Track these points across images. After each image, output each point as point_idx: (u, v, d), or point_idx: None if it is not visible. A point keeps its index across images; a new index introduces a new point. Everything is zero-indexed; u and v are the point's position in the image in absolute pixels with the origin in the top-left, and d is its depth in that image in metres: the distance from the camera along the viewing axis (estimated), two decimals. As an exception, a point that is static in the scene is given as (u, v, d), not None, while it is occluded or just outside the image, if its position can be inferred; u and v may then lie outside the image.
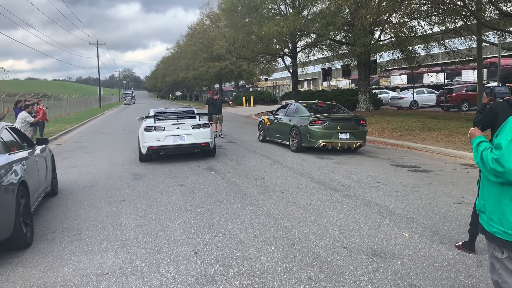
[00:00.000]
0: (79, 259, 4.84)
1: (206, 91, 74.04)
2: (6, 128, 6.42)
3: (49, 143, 8.51)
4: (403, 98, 31.87)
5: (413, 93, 31.21)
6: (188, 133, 11.57)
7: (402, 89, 40.68)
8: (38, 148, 7.34)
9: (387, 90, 35.93)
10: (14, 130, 6.87)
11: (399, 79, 49.23)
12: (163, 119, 11.97)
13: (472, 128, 2.98)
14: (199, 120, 12.23)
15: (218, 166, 10.62)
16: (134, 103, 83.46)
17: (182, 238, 5.39)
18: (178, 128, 11.57)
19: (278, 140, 14.57)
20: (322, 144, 12.22)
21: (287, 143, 13.64)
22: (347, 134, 12.38)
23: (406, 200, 6.89)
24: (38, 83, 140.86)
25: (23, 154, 6.20)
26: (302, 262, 4.52)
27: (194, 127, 11.71)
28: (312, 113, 13.11)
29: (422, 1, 18.12)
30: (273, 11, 29.79)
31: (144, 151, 11.44)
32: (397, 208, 6.46)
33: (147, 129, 11.47)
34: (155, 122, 11.68)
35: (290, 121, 13.57)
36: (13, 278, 4.41)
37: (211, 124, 13.00)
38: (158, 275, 4.33)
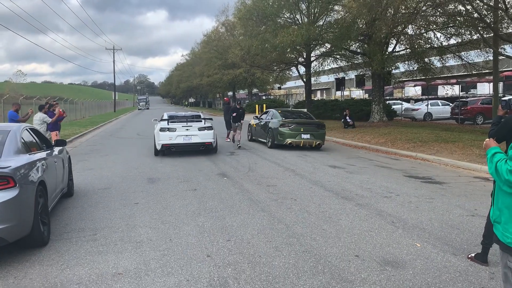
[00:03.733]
0: (95, 258, 4.94)
1: (219, 98, 74.46)
2: (26, 129, 6.60)
3: (66, 144, 8.68)
4: (417, 109, 31.73)
5: (427, 105, 31.06)
6: (195, 133, 13.90)
7: (416, 100, 40.49)
8: (56, 150, 7.50)
9: (401, 101, 35.79)
10: (34, 131, 7.04)
11: (414, 90, 49.03)
12: (175, 122, 14.13)
13: (487, 139, 3.02)
14: (204, 124, 14.28)
15: (231, 173, 10.71)
16: (148, 108, 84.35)
17: (195, 241, 5.46)
18: (187, 129, 13.89)
19: (260, 139, 17.90)
20: (289, 142, 15.49)
21: (265, 141, 17.06)
22: (308, 135, 15.71)
23: (419, 211, 6.88)
24: (54, 86, 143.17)
25: (42, 154, 6.35)
26: (314, 268, 4.56)
27: (200, 129, 13.98)
28: (283, 118, 16.29)
29: (438, 13, 18.08)
30: (288, 20, 29.97)
31: (158, 147, 13.81)
32: (410, 218, 6.45)
33: (162, 129, 13.78)
34: (168, 124, 13.91)
35: (268, 124, 16.89)
36: (30, 275, 4.52)
37: (230, 131, 17.89)
38: (171, 276, 4.40)
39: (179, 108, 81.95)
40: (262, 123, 17.65)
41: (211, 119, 15.34)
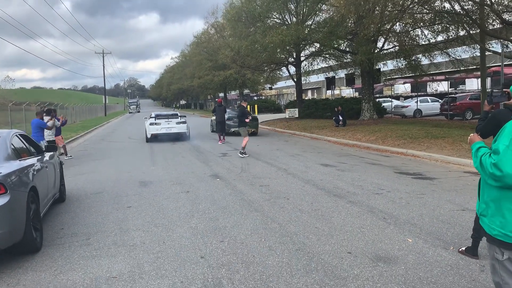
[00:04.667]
0: (88, 263, 4.94)
1: (210, 99, 74.37)
2: (16, 135, 6.57)
3: (57, 150, 8.64)
4: (407, 106, 31.95)
5: (416, 102, 31.30)
6: (173, 126, 20.19)
7: (406, 97, 40.75)
8: (47, 155, 7.47)
9: (390, 99, 36.03)
10: (24, 137, 7.01)
11: (403, 87, 49.33)
12: (160, 118, 20.55)
13: (472, 134, 3.08)
14: (180, 119, 20.63)
15: (223, 174, 10.72)
16: (139, 111, 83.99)
17: (188, 243, 5.48)
18: (168, 123, 20.18)
19: (214, 130, 23.14)
20: (232, 130, 21.31)
21: (216, 130, 21.56)
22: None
23: (410, 207, 6.96)
24: (44, 91, 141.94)
25: (33, 160, 6.33)
26: (307, 266, 4.59)
27: (177, 123, 20.31)
28: (229, 115, 21.80)
29: (424, 11, 18.25)
30: (277, 20, 30.07)
31: (149, 136, 20.07)
32: (401, 214, 6.52)
33: (151, 124, 20.12)
34: (155, 120, 20.27)
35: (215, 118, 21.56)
36: (23, 282, 4.51)
37: (222, 142, 18.91)
38: (165, 279, 4.42)
39: (166, 110, 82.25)
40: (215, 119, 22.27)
41: (185, 116, 21.55)
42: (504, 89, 4.25)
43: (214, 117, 22.40)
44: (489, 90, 26.42)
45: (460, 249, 4.86)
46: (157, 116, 20.74)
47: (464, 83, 43.61)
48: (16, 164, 5.53)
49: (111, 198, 8.33)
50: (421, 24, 21.05)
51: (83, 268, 4.80)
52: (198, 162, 13.08)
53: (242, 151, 14.04)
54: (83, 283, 4.39)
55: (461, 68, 24.82)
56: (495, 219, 2.73)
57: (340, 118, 23.41)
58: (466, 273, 4.30)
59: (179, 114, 21.79)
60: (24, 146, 6.63)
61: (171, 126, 20.11)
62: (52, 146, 8.10)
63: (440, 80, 33.06)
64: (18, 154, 6.01)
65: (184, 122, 20.46)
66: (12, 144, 6.00)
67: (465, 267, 4.44)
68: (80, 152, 17.03)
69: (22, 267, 4.90)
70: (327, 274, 4.38)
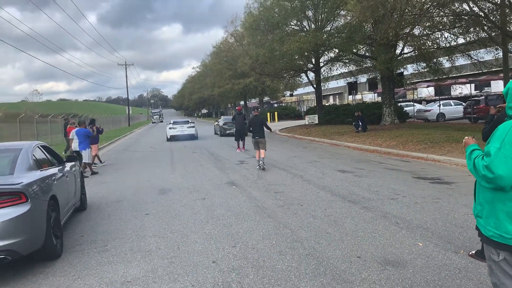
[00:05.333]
0: (105, 268, 5.13)
1: (231, 108, 74.92)
2: (38, 147, 6.87)
3: (77, 160, 8.94)
4: (429, 110, 31.52)
5: (439, 105, 30.84)
6: (185, 129, 27.94)
7: (429, 101, 40.18)
8: (68, 165, 7.76)
9: (413, 103, 35.60)
10: (46, 148, 7.31)
11: (426, 91, 48.65)
12: (176, 124, 28.86)
13: (466, 137, 3.12)
14: (190, 125, 28.60)
15: (239, 181, 10.86)
16: (162, 121, 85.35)
17: (201, 248, 5.62)
18: (181, 127, 28.03)
19: (218, 133, 31.19)
20: (227, 132, 28.30)
21: (218, 133, 30.96)
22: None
23: (424, 211, 6.92)
24: (70, 103, 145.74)
25: (53, 170, 6.60)
26: (315, 270, 4.66)
27: (188, 127, 28.18)
28: (225, 121, 29.94)
29: (442, 13, 18.07)
30: (295, 27, 30.22)
31: (168, 137, 27.94)
32: (414, 219, 6.50)
33: (170, 128, 28.23)
34: (173, 125, 28.42)
35: (219, 123, 31.25)
36: (44, 286, 4.73)
37: (241, 150, 18.93)
38: (177, 282, 4.56)
39: (183, 118, 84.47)
40: (217, 124, 32.43)
41: (193, 122, 30.46)
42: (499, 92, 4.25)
43: (217, 122, 34.06)
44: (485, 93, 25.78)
45: (470, 253, 4.84)
46: (174, 123, 29.40)
47: (489, 85, 42.74)
48: (37, 174, 5.80)
49: (130, 206, 8.57)
50: (441, 27, 20.83)
51: (100, 273, 4.99)
52: (215, 169, 13.28)
53: (262, 162, 12.85)
54: (99, 287, 4.57)
55: (484, 70, 24.34)
56: (490, 220, 2.76)
57: (360, 123, 23.27)
58: (474, 276, 4.29)
59: (189, 121, 30.27)
60: (45, 157, 6.92)
61: (183, 129, 28.04)
62: (73, 156, 8.39)
63: (463, 83, 32.46)
64: (39, 164, 6.29)
65: (193, 127, 28.59)
66: (33, 155, 6.28)
67: (474, 270, 4.43)
68: (106, 161, 17.45)
69: (43, 272, 5.13)
70: (334, 277, 4.43)
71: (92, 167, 14.37)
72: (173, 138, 27.73)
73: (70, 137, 14.59)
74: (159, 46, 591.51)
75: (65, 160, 7.84)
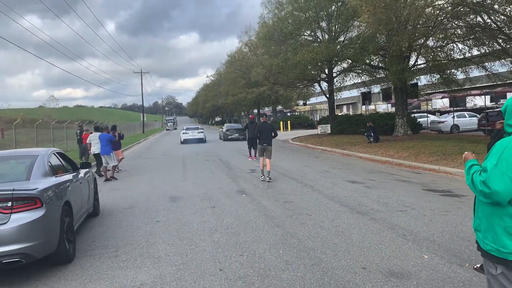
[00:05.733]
0: (115, 273, 5.27)
1: (244, 116, 75.24)
2: (54, 153, 7.09)
3: (91, 167, 9.15)
4: (443, 122, 31.27)
5: (453, 117, 30.60)
6: (196, 134, 34.49)
7: (443, 113, 39.87)
8: (82, 172, 7.96)
9: (427, 114, 35.37)
10: (61, 155, 7.53)
11: (441, 102, 48.30)
12: (188, 129, 35.62)
13: (466, 152, 3.19)
14: (199, 130, 35.52)
15: (249, 190, 10.97)
16: (175, 128, 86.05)
17: (209, 256, 5.73)
18: (193, 132, 34.67)
19: (222, 138, 36.48)
20: (229, 137, 34.42)
21: (222, 138, 36.43)
22: (237, 134, 34.25)
23: (432, 224, 6.94)
24: (86, 110, 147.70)
25: (68, 177, 6.79)
26: (320, 280, 4.73)
27: (198, 132, 34.88)
28: (227, 128, 36.96)
29: (455, 26, 18.05)
30: (309, 38, 30.39)
31: (182, 140, 34.23)
32: (422, 231, 6.53)
33: (183, 133, 35.12)
34: (185, 131, 35.26)
35: (223, 130, 37.08)
36: (56, 289, 4.88)
37: (252, 158, 18.93)
38: (184, 289, 4.67)
39: (194, 125, 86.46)
40: (221, 130, 39.04)
41: (203, 128, 38.11)
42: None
43: (221, 129, 41.22)
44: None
45: (475, 266, 4.86)
46: (187, 129, 36.46)
47: (505, 97, 42.28)
48: (52, 180, 5.99)
49: (141, 213, 8.73)
50: (454, 38, 20.77)
51: (110, 278, 5.13)
52: (226, 178, 13.41)
53: (269, 177, 12.43)
54: (109, 292, 4.71)
55: (499, 82, 24.15)
56: (488, 234, 2.83)
57: (372, 134, 23.23)
58: (478, 290, 4.32)
59: (199, 127, 38.05)
60: (61, 163, 7.13)
61: (194, 134, 34.73)
62: (87, 163, 8.60)
63: (478, 95, 32.18)
64: (54, 171, 6.49)
65: (202, 132, 35.58)
66: (49, 161, 6.49)
67: (478, 284, 4.45)
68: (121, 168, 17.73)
69: (56, 276, 5.29)
70: (338, 287, 4.50)
71: (115, 172, 14.98)
72: (186, 141, 33.97)
73: (87, 141, 15.14)
74: (176, 55, 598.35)
75: (79, 166, 8.05)
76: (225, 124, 43.92)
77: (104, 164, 14.50)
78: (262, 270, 5.11)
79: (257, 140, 13.19)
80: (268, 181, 12.20)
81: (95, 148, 14.74)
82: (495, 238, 2.78)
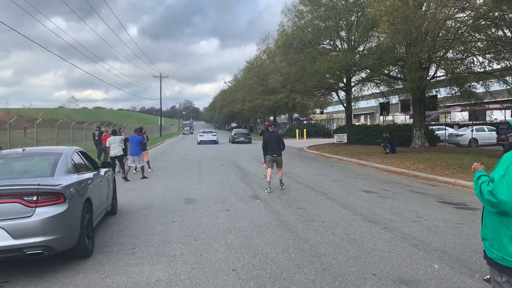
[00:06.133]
0: (132, 269, 5.45)
1: (260, 122, 75.49)
2: (76, 152, 7.35)
3: (111, 167, 9.41)
4: (461, 135, 30.93)
5: (472, 131, 30.26)
6: (210, 136, 42.50)
7: (462, 126, 39.44)
8: (102, 171, 8.21)
9: (445, 127, 35.04)
10: (83, 154, 7.79)
11: (460, 115, 47.78)
12: (204, 132, 44.10)
13: (475, 163, 3.29)
14: (213, 133, 44.19)
15: (263, 195, 11.10)
16: (192, 133, 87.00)
17: (223, 257, 5.88)
18: (208, 135, 42.90)
19: (230, 141, 44.22)
20: (236, 140, 41.89)
21: (230, 141, 44.27)
22: (242, 137, 42.09)
23: (444, 235, 6.97)
24: (104, 112, 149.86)
25: (89, 175, 7.04)
26: (331, 284, 4.83)
27: (212, 135, 43.09)
28: (235, 132, 44.80)
29: (475, 39, 17.97)
30: (328, 46, 30.48)
31: (198, 141, 41.70)
32: (433, 242, 6.57)
33: (200, 135, 43.41)
34: (202, 133, 43.79)
35: (232, 134, 45.27)
36: (75, 282, 5.09)
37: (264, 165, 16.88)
38: (198, 287, 4.83)
39: (209, 129, 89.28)
40: (230, 134, 47.41)
41: (216, 132, 46.41)
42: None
43: (230, 133, 51.43)
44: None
45: (485, 277, 4.90)
46: (203, 132, 44.68)
47: (527, 112, 41.62)
48: (75, 178, 6.23)
49: (157, 213, 8.94)
50: (475, 51, 20.65)
51: (127, 273, 5.32)
52: (241, 183, 13.58)
53: (281, 185, 12.25)
54: (125, 286, 4.89)
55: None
56: (494, 243, 2.92)
57: (388, 145, 23.14)
58: (486, 300, 4.36)
59: (213, 131, 46.93)
60: (83, 162, 7.38)
61: (209, 137, 42.44)
62: (107, 163, 8.86)
63: (498, 109, 31.78)
64: (77, 168, 6.74)
65: (215, 135, 43.64)
66: (72, 159, 6.75)
67: (487, 295, 4.50)
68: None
69: (75, 270, 5.50)
70: (348, 292, 4.60)
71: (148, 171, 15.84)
72: (202, 142, 41.43)
73: (107, 145, 15.39)
74: (196, 60, 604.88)
75: (100, 166, 8.31)
76: (233, 130, 51.96)
77: (129, 164, 15.15)
78: (274, 272, 5.24)
79: (265, 152, 12.66)
80: (280, 189, 12.00)
81: (117, 151, 15.20)
82: (501, 246, 2.87)
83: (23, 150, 7.10)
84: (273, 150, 12.14)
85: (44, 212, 5.21)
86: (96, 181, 7.25)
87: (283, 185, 12.31)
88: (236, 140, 41.98)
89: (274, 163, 12.20)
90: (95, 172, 7.64)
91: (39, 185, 5.27)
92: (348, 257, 5.81)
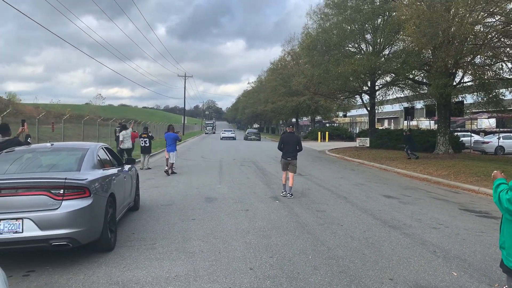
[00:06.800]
0: (152, 264, 5.60)
1: (282, 124, 75.42)
2: (102, 148, 7.56)
3: (135, 163, 9.64)
4: (487, 142, 30.27)
5: (499, 138, 29.57)
6: (230, 134, 60.12)
7: (488, 133, 38.56)
8: (126, 167, 8.42)
9: (470, 133, 34.34)
10: (109, 150, 8.01)
11: (487, 122, 46.70)
12: (225, 131, 63.63)
13: (495, 171, 3.28)
14: (233, 131, 64.58)
15: (283, 196, 11.14)
16: (214, 132, 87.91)
17: (241, 255, 5.97)
18: (228, 133, 61.13)
19: (245, 138, 57.94)
20: (249, 138, 55.79)
21: (244, 138, 58.44)
22: (253, 136, 56.75)
23: (464, 243, 6.89)
24: (129, 109, 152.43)
25: (113, 171, 7.24)
26: (346, 287, 4.86)
27: (231, 133, 61.21)
28: (248, 132, 62.23)
29: (506, 44, 17.58)
30: (352, 49, 30.29)
31: (221, 137, 58.82)
32: (453, 249, 6.51)
33: (222, 133, 62.42)
34: (224, 131, 62.97)
35: (246, 133, 61.39)
36: (97, 274, 5.26)
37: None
38: (216, 283, 4.93)
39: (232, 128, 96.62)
40: (245, 133, 61.85)
41: (234, 131, 68.91)
42: None
43: (244, 132, 70.42)
44: None
45: (505, 287, 4.84)
46: (225, 130, 63.22)
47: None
48: (100, 173, 6.43)
49: (178, 210, 9.10)
50: (504, 57, 20.18)
51: (147, 268, 5.46)
52: (261, 183, 13.66)
53: (290, 193, 11.22)
54: (146, 280, 5.03)
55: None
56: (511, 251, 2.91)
57: (405, 146, 22.90)
58: (504, 310, 4.31)
59: (233, 130, 66.50)
60: (108, 158, 7.59)
61: (229, 134, 58.48)
62: (131, 159, 9.06)
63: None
64: (102, 164, 6.94)
65: (234, 133, 60.63)
66: (98, 155, 6.95)
67: (505, 304, 4.45)
68: (157, 168, 18.35)
69: (97, 262, 5.68)
70: (364, 295, 4.62)
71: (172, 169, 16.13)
72: (223, 138, 56.23)
73: (120, 139, 17.05)
74: (221, 60, 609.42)
75: (124, 162, 8.51)
76: (247, 130, 70.55)
77: (171, 161, 15.81)
78: (291, 273, 5.30)
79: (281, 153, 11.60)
80: (289, 197, 10.97)
81: (129, 144, 16.74)
82: (518, 255, 2.86)
83: (52, 144, 7.34)
84: (288, 153, 11.35)
85: (70, 205, 5.40)
86: (120, 177, 7.44)
87: (291, 194, 11.13)
88: (249, 138, 55.44)
89: (289, 166, 11.33)
90: (120, 168, 7.84)
91: (65, 179, 5.46)
92: (365, 261, 5.82)
